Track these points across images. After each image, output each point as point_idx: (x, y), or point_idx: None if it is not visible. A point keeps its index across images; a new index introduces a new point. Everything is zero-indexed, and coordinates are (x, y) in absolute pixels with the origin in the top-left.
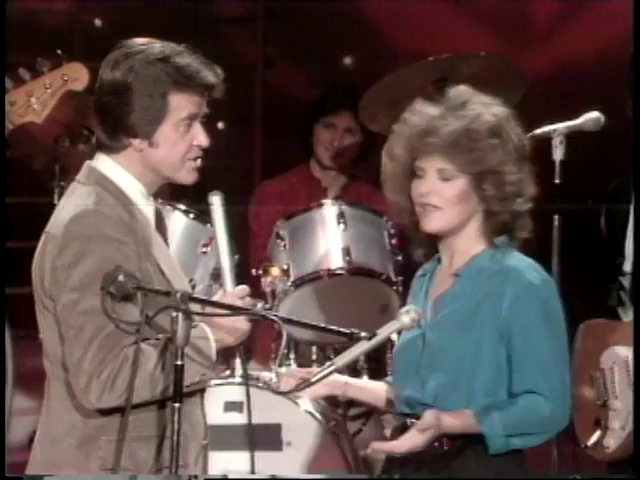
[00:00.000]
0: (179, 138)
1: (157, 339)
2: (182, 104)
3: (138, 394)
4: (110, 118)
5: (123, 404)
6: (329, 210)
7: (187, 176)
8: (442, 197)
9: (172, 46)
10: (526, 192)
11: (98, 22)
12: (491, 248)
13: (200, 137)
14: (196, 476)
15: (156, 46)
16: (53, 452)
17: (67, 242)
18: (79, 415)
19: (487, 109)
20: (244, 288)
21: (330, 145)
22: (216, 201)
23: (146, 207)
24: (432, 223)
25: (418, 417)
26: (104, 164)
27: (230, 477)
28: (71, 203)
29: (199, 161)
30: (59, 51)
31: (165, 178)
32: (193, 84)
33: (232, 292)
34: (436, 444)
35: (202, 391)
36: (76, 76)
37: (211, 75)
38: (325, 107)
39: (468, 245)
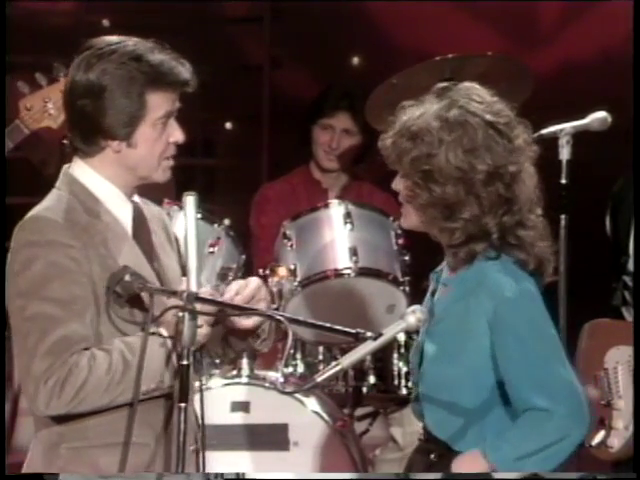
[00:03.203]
0: (157, 137)
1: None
2: (159, 102)
3: (91, 400)
4: (86, 122)
5: (73, 411)
6: (336, 210)
7: (162, 175)
8: (400, 194)
9: (143, 43)
10: (459, 214)
11: (105, 22)
12: (474, 259)
13: (176, 133)
14: (222, 474)
15: (128, 44)
16: (30, 458)
17: (16, 249)
18: (43, 421)
19: (437, 112)
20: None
21: (328, 147)
22: (190, 201)
23: (120, 208)
24: (402, 218)
25: (424, 429)
26: (78, 168)
27: (246, 477)
28: (34, 208)
29: (172, 160)
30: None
31: (141, 178)
32: (168, 81)
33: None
34: (432, 455)
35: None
36: None
37: (184, 70)
38: (322, 109)
39: (455, 252)
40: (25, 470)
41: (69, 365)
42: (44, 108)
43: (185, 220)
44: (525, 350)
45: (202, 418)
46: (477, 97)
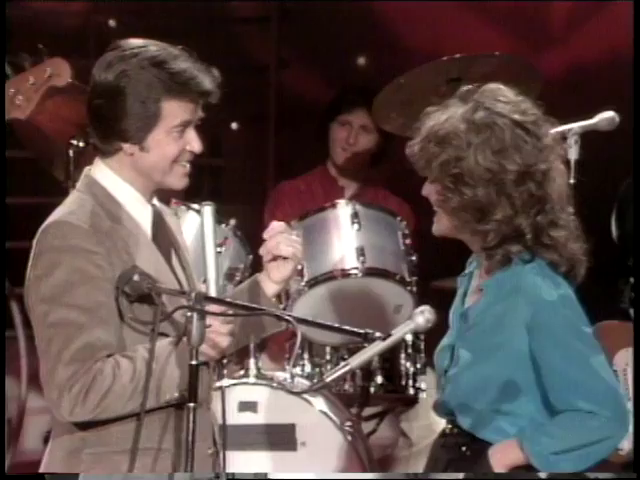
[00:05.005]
0: (171, 144)
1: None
2: (175, 111)
3: (114, 408)
4: (102, 121)
5: (96, 418)
6: (343, 210)
7: (178, 181)
8: (432, 200)
9: (168, 50)
10: (491, 215)
11: (112, 23)
12: (511, 262)
13: (193, 143)
14: (233, 474)
15: (151, 49)
16: (47, 463)
17: (39, 254)
18: (66, 427)
19: (463, 115)
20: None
21: (346, 143)
22: (207, 212)
23: (140, 212)
24: (434, 226)
25: (452, 423)
26: (98, 170)
27: (262, 478)
28: (55, 211)
29: (188, 166)
30: (40, 45)
31: (156, 183)
32: (187, 91)
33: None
34: (463, 448)
35: (200, 399)
36: (58, 72)
37: (207, 81)
38: (341, 106)
39: (490, 255)
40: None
41: (93, 372)
42: (12, 100)
43: (203, 230)
44: (566, 354)
45: (224, 420)
46: (502, 97)
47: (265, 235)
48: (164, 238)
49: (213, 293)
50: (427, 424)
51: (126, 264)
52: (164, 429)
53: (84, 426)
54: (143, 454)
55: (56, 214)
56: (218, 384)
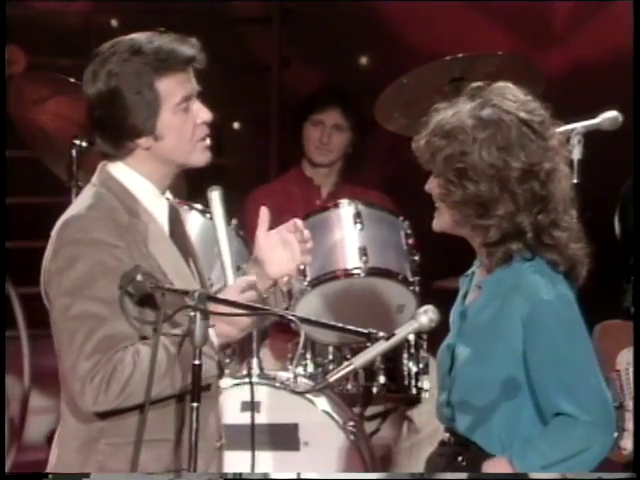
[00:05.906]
0: (182, 122)
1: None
2: (171, 88)
3: (137, 395)
4: (109, 128)
5: (120, 406)
6: (346, 210)
7: (200, 157)
8: (434, 194)
9: (140, 35)
10: (493, 211)
11: (114, 22)
12: (511, 259)
13: (202, 114)
14: (241, 474)
15: (125, 41)
16: (60, 454)
17: (59, 247)
18: (82, 417)
19: (470, 110)
20: (246, 280)
21: (319, 142)
22: (215, 196)
23: (157, 207)
24: (435, 221)
25: (450, 430)
26: (113, 165)
27: (272, 477)
28: (74, 205)
29: (208, 140)
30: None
31: (180, 166)
32: (173, 64)
33: (234, 285)
34: (459, 458)
35: (212, 391)
36: (14, 59)
37: (186, 47)
38: (313, 106)
39: (491, 252)
40: (55, 467)
41: (114, 362)
42: None
43: (213, 214)
44: (557, 353)
45: (252, 420)
46: (511, 96)
47: (289, 227)
48: (179, 232)
49: (230, 277)
50: (428, 409)
51: (145, 257)
52: (178, 421)
53: (102, 416)
54: (157, 446)
55: (75, 208)
56: (243, 380)
